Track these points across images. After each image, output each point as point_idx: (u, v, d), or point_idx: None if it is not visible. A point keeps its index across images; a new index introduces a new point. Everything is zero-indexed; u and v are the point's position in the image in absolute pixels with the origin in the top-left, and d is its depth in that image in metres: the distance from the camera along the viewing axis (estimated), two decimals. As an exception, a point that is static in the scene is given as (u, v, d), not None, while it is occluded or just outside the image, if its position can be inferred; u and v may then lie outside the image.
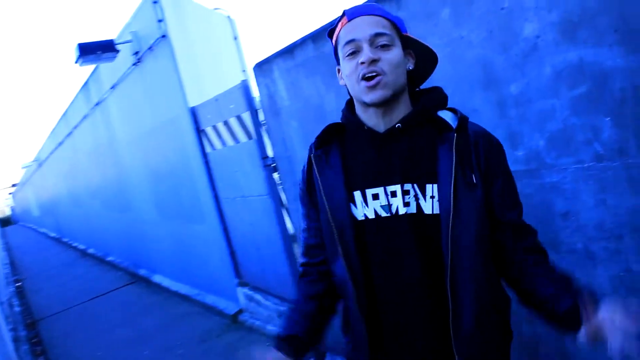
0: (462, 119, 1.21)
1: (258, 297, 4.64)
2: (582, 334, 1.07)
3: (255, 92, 3.88)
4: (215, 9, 5.73)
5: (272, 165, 4.07)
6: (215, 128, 4.61)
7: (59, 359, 5.32)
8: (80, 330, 6.17)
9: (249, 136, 4.11)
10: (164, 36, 4.83)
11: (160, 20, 4.78)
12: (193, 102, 4.88)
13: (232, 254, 5.06)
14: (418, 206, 1.18)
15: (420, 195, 1.18)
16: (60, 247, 17.17)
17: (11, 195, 51.85)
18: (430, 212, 1.17)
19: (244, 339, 4.51)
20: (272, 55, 3.26)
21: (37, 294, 9.43)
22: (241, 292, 4.96)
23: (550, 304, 1.15)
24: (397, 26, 1.22)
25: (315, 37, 2.79)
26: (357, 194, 1.23)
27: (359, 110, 1.28)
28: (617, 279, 1.75)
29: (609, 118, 1.63)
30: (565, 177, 1.80)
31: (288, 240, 4.10)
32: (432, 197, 1.17)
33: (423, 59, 1.30)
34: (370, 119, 1.24)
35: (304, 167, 1.39)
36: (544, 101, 1.80)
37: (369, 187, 1.21)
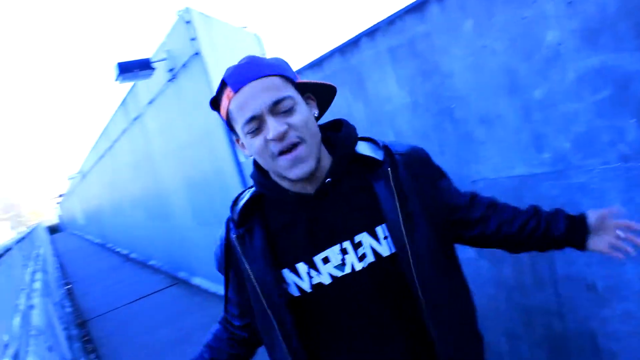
0: (387, 149, 1.10)
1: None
2: (592, 242, 1.18)
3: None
4: (243, 27, 5.80)
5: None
6: (247, 138, 4.65)
7: (108, 357, 5.44)
8: (126, 331, 6.29)
9: (280, 145, 4.14)
10: (196, 54, 4.90)
11: (193, 39, 4.86)
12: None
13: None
14: (375, 253, 1.06)
15: (374, 241, 1.06)
16: (105, 252, 17.52)
17: (59, 204, 53.18)
18: (389, 253, 1.06)
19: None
20: (301, 68, 3.29)
21: (85, 297, 9.65)
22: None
23: (544, 231, 1.20)
24: (289, 78, 1.04)
25: (342, 50, 2.81)
26: (301, 266, 1.07)
27: (276, 177, 1.10)
28: (647, 275, 1.72)
29: (634, 120, 1.61)
30: (592, 178, 1.78)
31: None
32: (386, 237, 1.06)
33: (322, 95, 1.16)
34: (295, 185, 1.08)
35: (220, 248, 1.20)
36: (568, 105, 1.78)
37: (317, 253, 1.06)
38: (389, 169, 1.07)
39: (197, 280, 7.48)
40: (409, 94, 2.42)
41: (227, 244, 1.16)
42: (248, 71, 1.00)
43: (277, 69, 1.02)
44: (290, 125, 0.98)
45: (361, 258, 1.06)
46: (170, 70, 5.65)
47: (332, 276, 1.06)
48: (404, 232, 1.04)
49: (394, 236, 1.04)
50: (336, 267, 1.06)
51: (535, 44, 1.81)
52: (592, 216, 1.17)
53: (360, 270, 1.06)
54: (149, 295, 8.01)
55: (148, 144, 8.15)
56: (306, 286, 1.07)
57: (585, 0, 1.63)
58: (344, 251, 1.06)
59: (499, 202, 1.27)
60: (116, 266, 12.99)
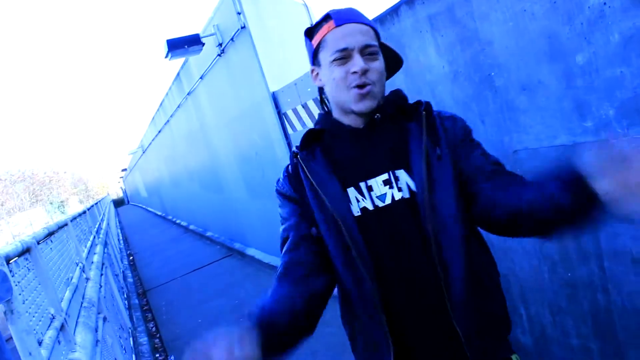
0: (427, 103, 1.24)
1: (341, 268, 4.73)
2: (608, 201, 0.83)
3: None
4: (291, -4, 5.80)
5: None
6: (295, 111, 4.71)
7: (165, 325, 5.77)
8: (183, 300, 6.62)
9: (326, 117, 4.16)
10: (243, 27, 4.97)
11: (239, 13, 4.92)
12: (274, 88, 5.00)
13: (316, 228, 5.17)
14: (410, 189, 1.17)
15: (409, 179, 1.17)
16: (166, 224, 18.32)
17: (122, 179, 55.86)
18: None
19: (329, 306, 4.64)
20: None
21: (147, 267, 10.20)
22: (325, 263, 5.08)
23: (555, 207, 0.96)
24: (378, 35, 1.23)
25: (382, 19, 2.77)
26: (351, 190, 1.20)
27: (337, 114, 1.28)
28: (696, 248, 1.65)
29: (682, 84, 1.52)
30: (638, 147, 1.70)
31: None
32: None
33: (392, 62, 1.31)
34: (349, 119, 1.25)
35: (285, 174, 1.33)
36: (613, 69, 1.70)
37: (362, 180, 1.19)
38: (424, 113, 1.20)
39: (251, 251, 7.73)
40: (449, 62, 2.37)
41: (295, 167, 1.30)
42: (352, 14, 1.20)
43: (373, 24, 1.22)
44: (370, 68, 1.16)
45: (399, 190, 1.17)
46: (219, 45, 5.75)
47: (374, 204, 1.18)
48: (423, 171, 1.14)
49: (416, 173, 1.15)
50: (378, 196, 1.18)
51: (577, 5, 1.73)
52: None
53: (398, 201, 1.17)
54: (205, 265, 8.36)
55: (202, 118, 8.39)
56: (354, 209, 1.19)
57: (630, -44, 1.54)
58: (385, 182, 1.18)
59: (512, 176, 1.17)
60: (176, 237, 13.59)
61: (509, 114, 2.14)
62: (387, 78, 1.30)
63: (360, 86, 1.15)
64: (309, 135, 1.29)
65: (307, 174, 1.23)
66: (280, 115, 5.06)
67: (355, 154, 1.23)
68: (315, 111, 4.29)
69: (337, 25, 1.17)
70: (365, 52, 1.16)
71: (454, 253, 1.15)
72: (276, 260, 6.57)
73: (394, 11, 2.66)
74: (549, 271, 2.23)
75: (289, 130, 5.01)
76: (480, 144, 1.24)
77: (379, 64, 1.18)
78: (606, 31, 1.68)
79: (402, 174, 1.18)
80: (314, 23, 1.26)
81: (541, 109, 1.99)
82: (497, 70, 2.12)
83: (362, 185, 1.19)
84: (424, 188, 1.13)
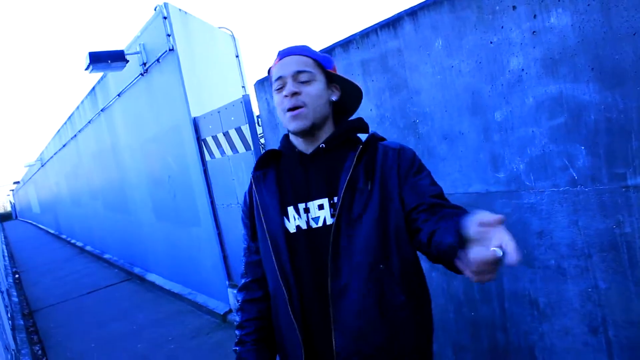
0: (372, 135, 1.29)
1: (248, 298, 4.61)
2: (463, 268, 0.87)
3: (255, 106, 3.91)
4: (220, 27, 5.75)
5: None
6: (215, 138, 4.62)
7: (53, 349, 5.24)
8: (76, 322, 6.07)
9: (247, 147, 4.12)
10: (171, 49, 4.84)
11: (168, 35, 4.80)
12: (195, 113, 4.88)
13: (225, 257, 5.04)
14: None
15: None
16: (59, 243, 16.92)
17: (12, 192, 51.16)
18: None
19: (232, 337, 4.47)
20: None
21: (35, 286, 9.28)
22: (231, 293, 4.94)
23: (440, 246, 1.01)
24: (321, 64, 1.30)
25: (315, 59, 2.83)
26: (290, 209, 1.28)
27: (291, 136, 1.37)
28: (585, 294, 1.80)
29: (583, 147, 1.68)
30: (542, 199, 1.85)
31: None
32: None
33: (349, 92, 1.37)
34: (300, 144, 1.33)
35: (246, 190, 1.46)
36: (525, 128, 1.84)
37: (301, 202, 1.27)
38: (360, 147, 1.24)
39: (151, 277, 7.32)
40: (376, 106, 2.46)
41: (250, 184, 1.41)
42: (295, 48, 1.31)
43: (313, 54, 1.30)
44: (302, 91, 1.23)
45: (332, 216, 1.21)
46: (143, 64, 5.55)
47: (308, 224, 1.25)
48: (339, 204, 1.18)
49: (336, 204, 1.19)
50: (313, 218, 1.24)
51: (499, 67, 1.88)
52: (471, 225, 0.84)
53: (328, 226, 1.21)
54: (101, 288, 7.77)
55: (114, 136, 7.96)
56: (291, 227, 1.27)
57: (548, 31, 1.70)
58: (320, 206, 1.24)
59: (445, 210, 1.11)
60: (70, 257, 12.56)
61: (429, 160, 2.24)
62: (354, 107, 1.42)
63: (291, 109, 1.24)
64: (267, 156, 1.39)
65: (255, 192, 1.35)
66: (200, 141, 4.93)
67: (299, 177, 1.30)
68: (237, 140, 4.23)
69: (280, 59, 1.30)
70: (298, 78, 1.25)
71: (354, 283, 1.18)
72: (178, 287, 6.27)
73: (328, 52, 2.72)
74: (454, 311, 2.32)
75: (207, 157, 4.88)
76: (428, 175, 1.23)
77: (312, 88, 1.25)
78: (522, 94, 1.83)
79: (338, 200, 1.23)
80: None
81: (460, 158, 2.11)
82: (422, 119, 2.23)
83: (301, 206, 1.26)
84: (338, 220, 1.18)
